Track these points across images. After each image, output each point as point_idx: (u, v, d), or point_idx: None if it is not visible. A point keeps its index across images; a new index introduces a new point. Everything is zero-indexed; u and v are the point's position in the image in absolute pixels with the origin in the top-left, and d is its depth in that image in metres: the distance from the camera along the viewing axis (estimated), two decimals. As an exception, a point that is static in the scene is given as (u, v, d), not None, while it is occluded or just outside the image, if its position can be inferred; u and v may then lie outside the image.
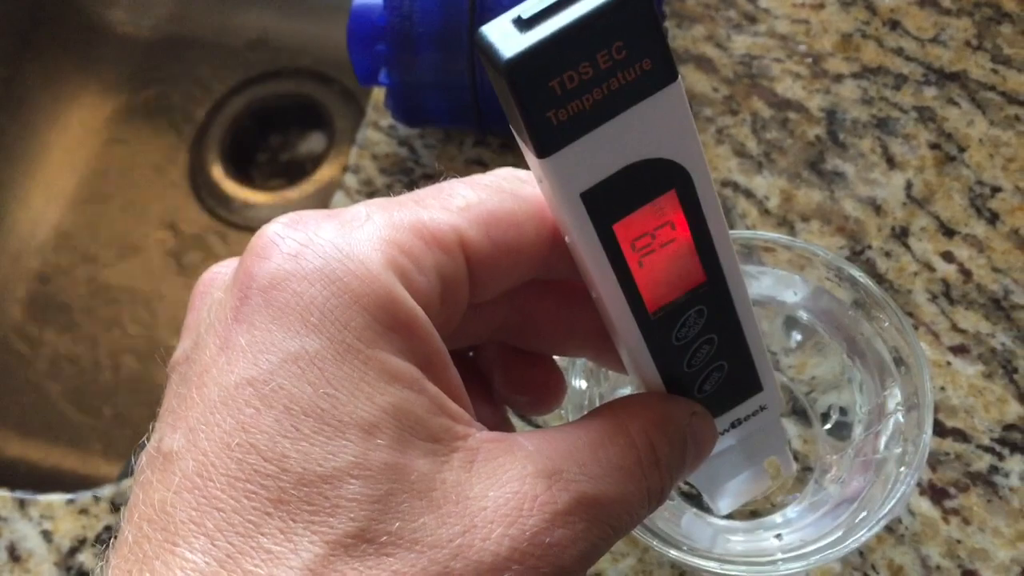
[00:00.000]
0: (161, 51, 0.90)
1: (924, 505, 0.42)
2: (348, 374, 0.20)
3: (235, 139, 0.86)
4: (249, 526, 0.19)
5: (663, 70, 0.21)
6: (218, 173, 0.84)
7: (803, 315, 0.40)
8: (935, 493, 0.42)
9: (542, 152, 0.21)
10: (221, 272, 0.24)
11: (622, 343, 0.26)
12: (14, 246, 0.81)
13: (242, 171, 0.84)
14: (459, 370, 0.23)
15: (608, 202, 0.22)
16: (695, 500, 0.41)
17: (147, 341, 0.78)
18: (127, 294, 0.80)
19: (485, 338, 0.28)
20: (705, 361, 0.27)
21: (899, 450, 0.37)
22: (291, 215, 0.22)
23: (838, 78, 0.51)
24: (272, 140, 0.87)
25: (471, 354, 0.30)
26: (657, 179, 0.22)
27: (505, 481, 0.21)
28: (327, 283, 0.21)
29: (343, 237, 0.21)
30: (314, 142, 0.86)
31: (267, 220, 0.22)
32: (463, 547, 0.19)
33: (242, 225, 0.81)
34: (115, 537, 0.20)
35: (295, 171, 0.84)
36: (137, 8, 0.91)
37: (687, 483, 0.41)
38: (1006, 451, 0.42)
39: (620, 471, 0.22)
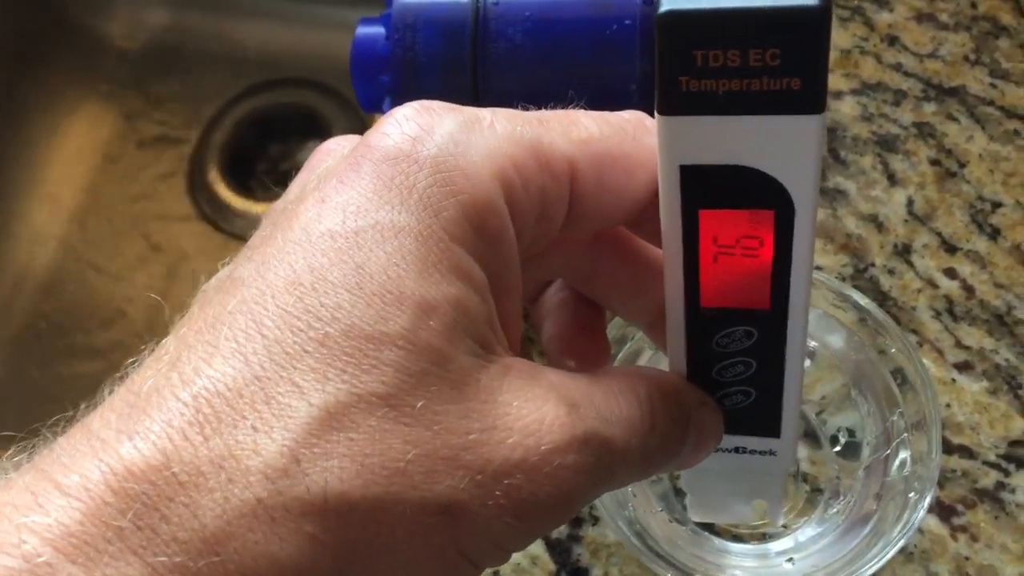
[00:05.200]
0: (159, 63, 0.90)
1: (932, 522, 0.42)
2: (424, 255, 0.21)
3: (235, 149, 0.86)
4: (285, 357, 0.19)
5: (810, 97, 0.20)
6: (218, 183, 0.84)
7: (809, 341, 0.41)
8: (943, 510, 0.42)
9: (662, 109, 0.21)
10: (341, 145, 0.25)
11: (668, 322, 0.26)
12: (16, 260, 0.82)
13: (242, 181, 0.85)
14: None
15: (703, 187, 0.22)
16: (709, 526, 0.41)
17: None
18: (128, 306, 0.80)
19: (556, 274, 0.29)
20: (734, 380, 0.27)
21: (908, 473, 0.38)
22: (423, 102, 0.23)
23: (838, 95, 0.52)
24: (272, 150, 0.87)
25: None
26: (761, 193, 0.22)
27: (531, 397, 0.22)
28: (434, 172, 0.21)
29: (463, 135, 0.22)
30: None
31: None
32: (478, 442, 0.20)
33: (243, 235, 0.81)
34: (157, 346, 0.21)
35: (295, 180, 0.84)
36: (133, 21, 0.91)
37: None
38: (1012, 467, 0.43)
39: (627, 423, 0.23)
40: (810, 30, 0.20)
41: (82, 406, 0.21)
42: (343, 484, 0.19)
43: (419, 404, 0.20)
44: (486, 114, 0.23)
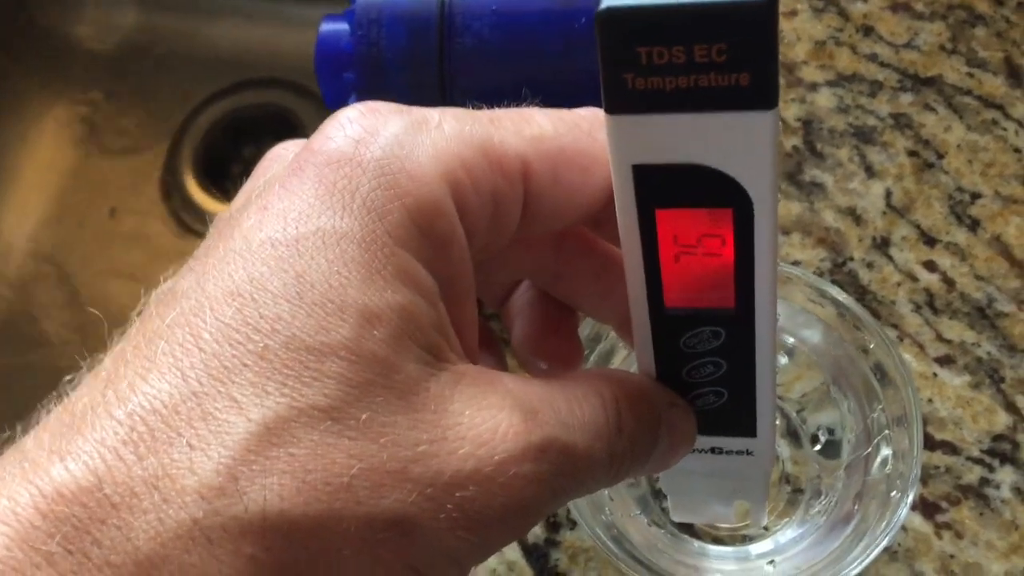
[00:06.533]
0: (129, 66, 0.89)
1: (916, 520, 0.41)
2: (367, 261, 0.20)
3: (208, 152, 0.85)
4: (224, 371, 0.19)
5: (760, 93, 0.20)
6: (192, 186, 0.83)
7: (787, 338, 0.40)
8: (927, 508, 0.42)
9: (609, 108, 0.21)
10: (288, 150, 0.24)
11: (633, 324, 0.25)
12: (-13, 270, 0.80)
13: (216, 184, 0.83)
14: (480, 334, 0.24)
15: (658, 186, 0.22)
16: (688, 528, 0.40)
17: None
18: (102, 310, 0.79)
19: (521, 275, 0.28)
20: (705, 380, 0.26)
21: (890, 471, 0.37)
22: (368, 103, 0.22)
23: (813, 87, 0.51)
24: (245, 152, 0.85)
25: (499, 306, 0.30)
26: (718, 191, 0.22)
27: (485, 406, 0.21)
28: (378, 174, 0.21)
29: (409, 136, 0.21)
30: (287, 153, 0.84)
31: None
32: (427, 454, 0.19)
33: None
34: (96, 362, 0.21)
35: (270, 182, 0.83)
36: (103, 23, 0.90)
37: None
38: (996, 462, 0.42)
39: (591, 427, 0.23)
40: (755, 24, 0.19)
41: (19, 427, 0.20)
42: (283, 502, 0.18)
43: (364, 416, 0.19)
44: (434, 114, 0.22)
